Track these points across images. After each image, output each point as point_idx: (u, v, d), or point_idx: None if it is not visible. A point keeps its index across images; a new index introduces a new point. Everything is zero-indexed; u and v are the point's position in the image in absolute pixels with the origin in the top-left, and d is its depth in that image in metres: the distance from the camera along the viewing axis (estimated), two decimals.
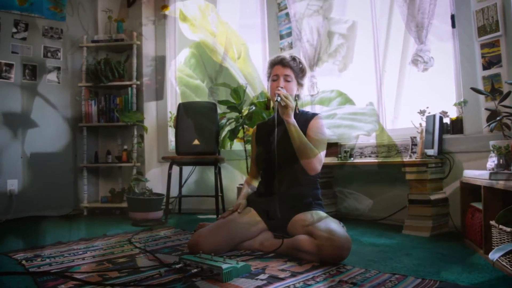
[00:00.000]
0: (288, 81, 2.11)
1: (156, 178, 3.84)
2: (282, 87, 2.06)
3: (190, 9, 3.69)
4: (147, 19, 4.12)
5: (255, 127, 2.36)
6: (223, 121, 3.37)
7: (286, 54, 2.22)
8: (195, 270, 1.66)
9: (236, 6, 4.16)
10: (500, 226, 1.63)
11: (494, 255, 0.88)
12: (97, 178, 4.10)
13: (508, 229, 1.58)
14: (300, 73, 2.16)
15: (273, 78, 2.14)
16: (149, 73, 4.10)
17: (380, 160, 2.87)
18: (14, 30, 3.67)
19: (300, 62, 2.17)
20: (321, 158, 2.05)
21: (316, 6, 3.35)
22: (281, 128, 2.05)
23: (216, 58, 3.71)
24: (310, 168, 2.03)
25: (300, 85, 2.18)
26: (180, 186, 3.67)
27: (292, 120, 2.01)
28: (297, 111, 2.17)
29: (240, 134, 3.29)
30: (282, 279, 1.56)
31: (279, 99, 1.98)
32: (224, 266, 1.59)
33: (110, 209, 3.83)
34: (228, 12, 4.06)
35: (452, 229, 2.51)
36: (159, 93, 4.09)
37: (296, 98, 2.18)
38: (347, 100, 3.17)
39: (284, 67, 2.12)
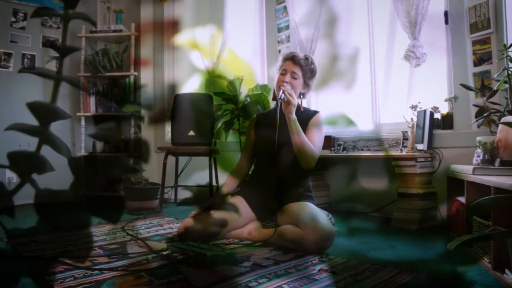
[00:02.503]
0: (295, 78, 2.14)
1: (152, 168, 3.88)
2: (287, 82, 2.10)
3: (202, 37, 3.72)
4: (158, 47, 4.16)
5: (254, 116, 2.38)
6: (219, 112, 3.41)
7: (301, 53, 2.24)
8: (181, 256, 1.72)
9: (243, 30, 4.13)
10: (479, 220, 1.68)
11: (451, 245, 0.92)
12: (95, 166, 4.16)
13: (486, 223, 1.62)
14: (309, 73, 2.18)
15: (282, 72, 2.17)
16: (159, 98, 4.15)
17: (372, 154, 2.91)
18: (13, 19, 3.71)
19: (312, 63, 2.20)
20: (316, 155, 2.10)
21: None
22: (281, 121, 2.07)
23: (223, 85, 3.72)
24: (305, 164, 2.09)
25: (307, 85, 2.21)
26: (176, 176, 3.72)
27: (293, 116, 2.05)
28: (301, 109, 2.23)
29: (235, 126, 3.33)
30: (265, 266, 1.62)
31: (283, 96, 2.03)
32: (209, 253, 1.65)
33: (107, 197, 3.89)
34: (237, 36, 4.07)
35: (440, 223, 2.55)
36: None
37: (301, 96, 2.23)
38: (350, 122, 3.22)
39: (294, 64, 2.15)
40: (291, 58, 2.17)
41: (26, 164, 0.85)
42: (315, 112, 2.23)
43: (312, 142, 2.09)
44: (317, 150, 2.11)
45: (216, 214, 2.06)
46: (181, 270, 1.58)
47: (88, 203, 3.82)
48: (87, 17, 0.87)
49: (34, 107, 0.85)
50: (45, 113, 0.85)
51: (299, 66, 2.15)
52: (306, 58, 2.19)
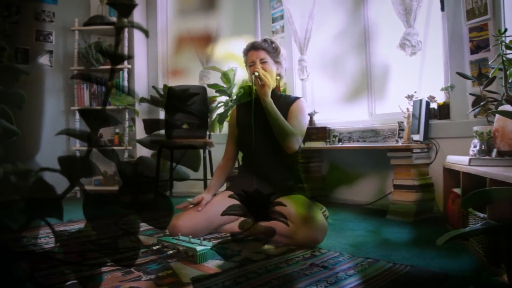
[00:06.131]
0: (265, 62, 2.12)
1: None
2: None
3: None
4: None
5: (234, 107, 2.35)
6: (213, 105, 3.37)
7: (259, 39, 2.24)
8: (171, 251, 1.69)
9: None
10: (474, 212, 1.64)
11: (440, 240, 0.88)
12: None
13: (482, 215, 1.58)
14: (274, 52, 2.16)
15: (250, 64, 2.15)
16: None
17: (367, 145, 2.87)
18: (6, 13, 3.65)
19: (272, 42, 2.18)
20: (297, 136, 2.05)
21: None
22: (260, 109, 2.06)
23: None
24: (287, 146, 2.02)
25: (278, 63, 2.18)
26: (171, 170, 3.69)
27: (269, 99, 2.02)
28: (278, 92, 2.22)
29: (228, 118, 3.29)
30: (255, 261, 1.59)
31: (257, 74, 2.02)
32: (199, 248, 1.62)
33: (103, 192, 3.87)
34: None
35: (437, 215, 2.51)
36: None
37: (278, 77, 2.20)
38: None
39: (257, 50, 2.14)
40: (251, 47, 2.16)
41: (76, 168, 0.89)
42: (296, 98, 2.19)
43: (294, 125, 2.04)
44: (299, 132, 2.06)
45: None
46: (170, 266, 1.56)
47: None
48: (140, 26, 0.88)
49: (84, 113, 0.88)
50: (95, 119, 0.87)
51: (262, 50, 2.13)
52: (265, 41, 2.18)
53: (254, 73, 2.04)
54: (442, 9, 2.56)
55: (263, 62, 2.12)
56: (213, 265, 1.56)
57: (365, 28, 3.11)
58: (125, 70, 3.87)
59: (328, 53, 3.41)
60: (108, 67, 3.87)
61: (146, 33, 0.92)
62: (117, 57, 0.92)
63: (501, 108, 1.89)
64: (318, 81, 3.50)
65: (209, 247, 1.65)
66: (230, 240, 1.77)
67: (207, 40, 3.86)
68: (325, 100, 3.45)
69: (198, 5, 4.04)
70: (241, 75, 3.53)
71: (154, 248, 1.77)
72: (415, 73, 2.83)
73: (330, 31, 3.40)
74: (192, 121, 3.17)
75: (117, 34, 0.87)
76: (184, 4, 4.18)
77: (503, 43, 1.39)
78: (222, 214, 1.72)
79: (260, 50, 2.13)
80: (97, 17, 3.83)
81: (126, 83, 3.87)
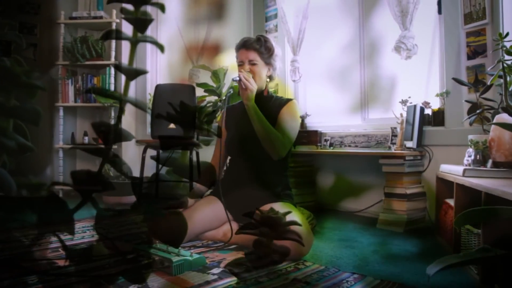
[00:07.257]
0: (254, 64, 2.02)
1: (133, 162, 3.73)
2: (248, 71, 2.00)
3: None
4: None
5: (223, 110, 2.26)
6: (202, 104, 3.26)
7: (254, 37, 2.12)
8: (146, 261, 1.58)
9: None
10: (468, 227, 1.55)
11: (431, 270, 0.78)
12: (74, 159, 4.00)
13: (476, 231, 1.49)
14: (266, 53, 2.05)
15: (239, 63, 2.06)
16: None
17: (359, 151, 2.77)
18: None
19: (265, 41, 2.06)
20: (285, 142, 1.96)
21: None
22: (245, 112, 1.97)
23: None
24: (272, 152, 1.94)
25: (269, 64, 2.08)
26: (157, 171, 3.57)
27: (252, 103, 1.93)
28: (269, 93, 2.13)
29: (219, 119, 3.18)
30: (235, 274, 1.49)
31: (237, 79, 1.91)
32: (175, 258, 1.52)
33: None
34: None
35: (429, 225, 2.43)
36: None
37: (268, 80, 2.10)
38: None
39: (248, 50, 2.03)
40: (243, 45, 2.05)
41: (89, 183, 0.88)
42: (289, 100, 2.09)
43: (283, 129, 1.96)
44: (287, 137, 1.97)
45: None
46: (143, 278, 1.45)
47: (65, 197, 3.67)
48: (155, 41, 0.86)
49: (98, 127, 0.88)
50: (109, 133, 0.88)
51: (253, 51, 2.02)
52: (259, 39, 2.06)
53: (233, 78, 1.95)
54: (439, 12, 2.47)
55: (252, 63, 2.02)
56: (189, 277, 1.46)
57: (359, 28, 3.02)
58: (112, 67, 3.74)
59: (323, 56, 3.31)
60: (94, 62, 3.77)
61: (161, 48, 0.88)
62: (135, 71, 0.90)
63: (497, 116, 1.81)
64: (311, 83, 3.41)
65: (186, 257, 1.55)
66: (245, 259, 1.65)
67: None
68: (318, 103, 3.35)
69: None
70: (232, 74, 3.43)
71: (129, 257, 1.66)
72: (409, 78, 2.73)
73: (324, 33, 3.30)
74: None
75: (132, 49, 0.86)
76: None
77: (504, 48, 1.30)
78: (237, 233, 1.65)
79: (251, 51, 2.02)
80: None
81: (112, 80, 3.75)
